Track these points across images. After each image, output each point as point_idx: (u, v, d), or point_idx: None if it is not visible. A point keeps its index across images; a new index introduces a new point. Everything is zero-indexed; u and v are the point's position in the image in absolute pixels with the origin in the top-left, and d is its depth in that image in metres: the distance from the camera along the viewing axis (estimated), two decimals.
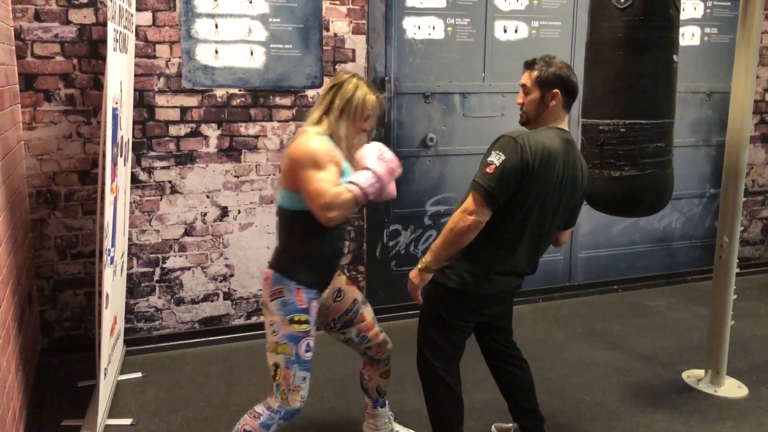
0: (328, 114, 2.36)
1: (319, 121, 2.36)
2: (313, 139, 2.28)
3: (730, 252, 3.31)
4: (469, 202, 2.28)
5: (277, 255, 2.41)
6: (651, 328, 4.25)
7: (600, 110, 2.80)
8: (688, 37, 4.82)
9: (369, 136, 2.47)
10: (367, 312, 2.69)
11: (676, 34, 2.71)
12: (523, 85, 2.44)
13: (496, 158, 2.27)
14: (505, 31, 4.34)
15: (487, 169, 2.26)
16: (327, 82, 2.38)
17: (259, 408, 2.40)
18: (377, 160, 2.27)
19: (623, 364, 3.71)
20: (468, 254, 2.38)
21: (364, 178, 2.22)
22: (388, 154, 2.31)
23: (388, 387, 2.83)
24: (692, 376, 3.54)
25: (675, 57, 2.71)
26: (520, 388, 2.78)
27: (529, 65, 2.45)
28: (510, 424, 2.92)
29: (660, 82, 2.69)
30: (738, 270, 3.38)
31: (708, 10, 4.86)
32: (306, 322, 2.35)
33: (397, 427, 2.94)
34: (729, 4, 4.89)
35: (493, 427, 2.98)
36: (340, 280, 2.63)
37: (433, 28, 4.17)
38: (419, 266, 2.40)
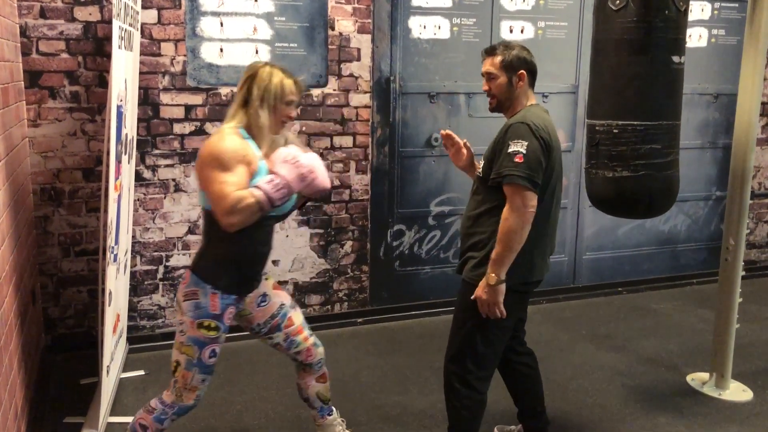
0: (247, 106, 2.27)
1: (233, 116, 2.28)
2: (223, 138, 2.19)
3: (736, 255, 3.29)
4: (515, 199, 2.27)
5: (197, 257, 2.34)
6: (656, 330, 4.23)
7: (596, 111, 2.83)
8: (695, 38, 4.80)
9: (292, 124, 2.41)
10: (296, 316, 2.58)
11: (677, 35, 2.68)
12: (488, 73, 2.46)
13: (519, 147, 2.28)
14: (511, 31, 4.32)
15: (516, 159, 2.27)
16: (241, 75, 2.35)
17: (154, 403, 2.39)
18: (285, 164, 2.20)
19: (627, 367, 3.69)
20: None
21: (270, 184, 2.15)
22: (302, 158, 2.22)
23: (329, 392, 2.73)
24: (697, 379, 3.52)
25: (676, 58, 2.68)
26: (532, 388, 2.77)
27: (489, 52, 2.48)
28: (513, 427, 2.91)
29: (657, 83, 2.68)
30: (744, 273, 3.36)
31: (715, 12, 4.84)
32: (216, 328, 2.30)
33: None
34: (736, 5, 4.86)
35: (495, 429, 2.97)
36: (266, 284, 2.53)
37: (439, 27, 4.16)
38: (490, 282, 2.32)
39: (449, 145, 2.71)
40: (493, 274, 2.32)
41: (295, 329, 2.57)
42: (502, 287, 2.33)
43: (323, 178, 2.29)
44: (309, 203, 2.50)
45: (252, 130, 2.27)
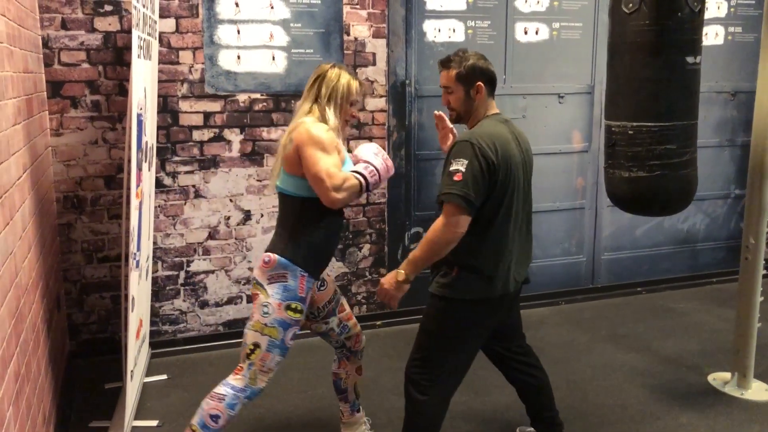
0: (318, 104, 2.42)
1: (310, 112, 2.42)
2: (316, 125, 2.35)
3: (756, 253, 3.27)
4: (448, 214, 2.24)
5: (283, 240, 2.42)
6: (675, 330, 4.21)
7: (612, 112, 2.84)
8: (712, 36, 4.77)
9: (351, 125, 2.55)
10: (345, 302, 2.72)
11: (692, 36, 2.68)
12: (445, 87, 2.43)
13: (459, 165, 2.24)
14: (525, 32, 4.33)
15: (455, 178, 2.23)
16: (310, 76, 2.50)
17: (222, 390, 2.41)
18: (377, 156, 2.43)
19: (647, 367, 3.68)
20: (469, 263, 2.34)
21: (367, 171, 2.37)
22: (385, 153, 2.47)
23: (361, 387, 2.79)
24: (718, 379, 3.50)
25: (691, 59, 2.68)
26: (537, 395, 2.75)
27: (444, 64, 2.42)
28: (531, 428, 2.91)
29: (671, 85, 2.68)
30: (765, 272, 3.34)
31: (732, 9, 4.81)
32: (301, 311, 2.40)
33: None
34: (753, 2, 4.83)
35: (517, 429, 2.97)
36: None
37: (454, 30, 4.17)
38: (399, 278, 2.34)
39: (440, 127, 2.70)
40: (404, 272, 2.34)
41: (347, 315, 2.69)
42: (407, 287, 2.37)
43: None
44: None
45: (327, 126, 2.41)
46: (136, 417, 3.12)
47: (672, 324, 4.31)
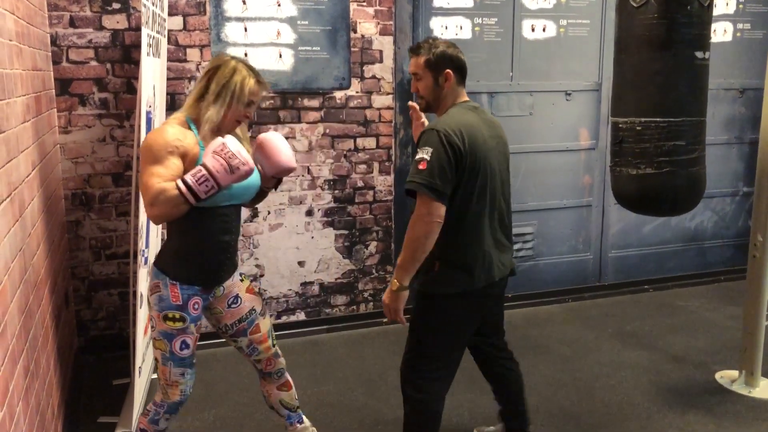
0: (202, 99, 2.21)
1: (187, 108, 2.25)
2: (160, 130, 2.17)
3: (765, 251, 3.25)
4: (420, 207, 2.21)
5: (160, 249, 2.34)
6: (683, 328, 4.20)
7: (619, 108, 2.80)
8: (720, 33, 4.75)
9: (246, 124, 2.35)
10: (263, 324, 2.53)
11: (701, 31, 2.66)
12: (414, 73, 2.42)
13: (425, 153, 2.22)
14: (533, 30, 4.32)
15: (420, 167, 2.21)
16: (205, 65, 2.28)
17: (149, 405, 2.40)
18: (214, 155, 2.09)
19: (655, 365, 3.67)
20: (448, 256, 2.33)
21: (194, 176, 2.08)
22: (232, 148, 2.09)
23: (294, 399, 2.68)
24: (726, 377, 3.49)
25: (700, 54, 2.66)
26: (516, 390, 2.75)
27: (414, 51, 2.41)
28: (492, 427, 2.91)
29: (680, 80, 2.66)
30: None
31: (740, 6, 4.79)
32: (181, 319, 2.26)
33: None
34: None
35: (474, 430, 2.97)
36: (240, 285, 2.48)
37: (461, 28, 4.17)
38: (393, 288, 2.30)
39: (414, 118, 2.67)
40: (396, 281, 2.28)
41: (259, 338, 2.52)
42: (405, 294, 2.30)
43: (276, 159, 2.27)
44: (279, 183, 2.53)
45: (197, 122, 2.23)
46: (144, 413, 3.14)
47: (679, 322, 4.30)
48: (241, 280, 2.51)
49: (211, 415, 3.16)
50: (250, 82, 2.22)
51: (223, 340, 2.58)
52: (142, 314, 3.00)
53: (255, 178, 2.34)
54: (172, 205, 2.08)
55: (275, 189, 2.58)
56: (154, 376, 3.52)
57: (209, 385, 3.45)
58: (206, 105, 2.20)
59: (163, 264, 2.28)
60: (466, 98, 2.44)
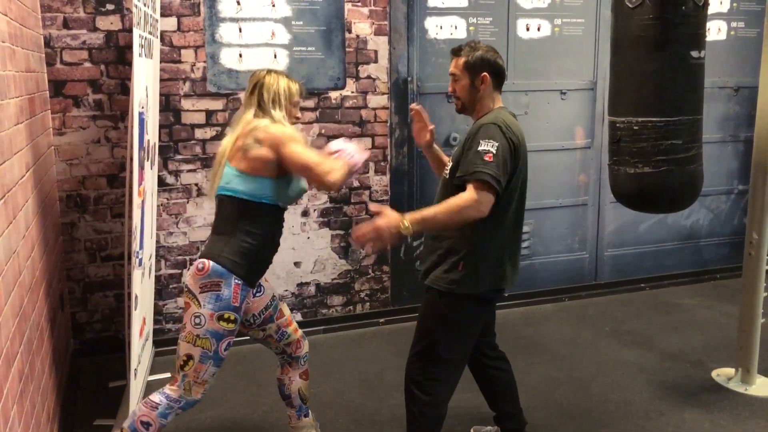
0: (263, 110, 2.41)
1: (257, 117, 2.40)
2: (280, 126, 2.37)
3: (760, 249, 3.26)
4: (477, 190, 2.20)
5: (218, 247, 2.33)
6: (679, 326, 4.20)
7: (616, 108, 2.82)
8: (714, 31, 4.76)
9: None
10: (285, 307, 2.67)
11: (696, 30, 2.67)
12: (453, 74, 2.44)
13: (490, 146, 2.23)
14: (527, 29, 4.32)
15: (486, 158, 2.22)
16: (247, 84, 2.50)
17: (157, 398, 2.37)
18: (345, 144, 2.42)
19: (651, 363, 3.67)
20: (479, 255, 2.33)
21: (345, 154, 2.38)
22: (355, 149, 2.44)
23: (308, 390, 2.74)
24: (722, 374, 3.50)
25: (695, 53, 2.67)
26: (506, 392, 2.75)
27: (455, 52, 2.45)
28: (489, 428, 2.91)
29: (676, 79, 2.67)
30: None
31: (734, 4, 4.80)
32: (234, 321, 2.33)
33: None
34: None
35: (472, 430, 2.96)
36: None
37: (456, 27, 4.17)
38: (402, 231, 2.17)
39: (416, 119, 2.68)
40: (410, 227, 2.17)
41: (285, 321, 2.63)
42: (400, 238, 2.23)
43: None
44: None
45: None
46: None
47: (675, 320, 4.31)
48: None
49: (207, 417, 3.15)
50: (294, 86, 2.47)
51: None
52: (138, 316, 2.99)
53: (304, 183, 2.50)
54: (344, 174, 2.34)
55: None
56: (150, 378, 3.51)
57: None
58: (268, 112, 2.40)
59: (229, 263, 2.31)
60: (501, 104, 2.47)
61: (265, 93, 2.40)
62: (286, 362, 2.70)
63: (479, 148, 2.24)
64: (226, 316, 2.30)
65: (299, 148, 2.31)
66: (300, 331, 2.68)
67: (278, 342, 2.62)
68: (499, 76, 2.43)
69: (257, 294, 2.54)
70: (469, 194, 2.20)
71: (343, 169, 2.33)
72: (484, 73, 2.38)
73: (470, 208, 2.20)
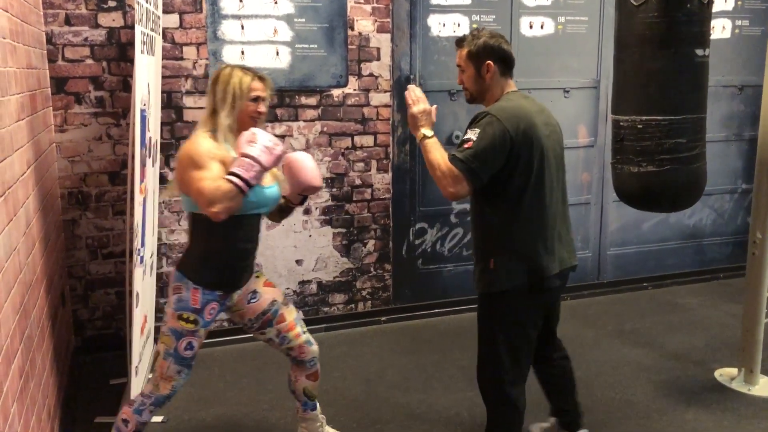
0: (217, 111, 2.34)
1: (205, 123, 2.37)
2: (193, 141, 2.30)
3: (764, 248, 3.24)
4: (453, 177, 2.23)
5: (183, 254, 2.46)
6: (682, 326, 4.19)
7: (620, 106, 2.81)
8: (719, 29, 4.74)
9: (263, 119, 2.43)
10: (288, 313, 2.63)
11: (701, 28, 2.66)
12: (459, 65, 2.44)
13: (472, 134, 2.24)
14: (531, 27, 4.31)
15: (465, 146, 2.23)
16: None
17: (135, 396, 2.49)
18: (248, 143, 2.21)
19: (654, 363, 3.66)
20: (506, 248, 2.33)
21: (239, 165, 2.18)
22: (263, 138, 2.22)
23: (316, 390, 2.75)
24: (725, 374, 3.49)
25: (700, 51, 2.66)
26: (563, 389, 2.75)
27: (458, 43, 2.43)
28: (545, 423, 2.89)
29: (680, 77, 2.66)
30: None
31: (739, 2, 4.77)
32: (194, 321, 2.36)
33: (329, 430, 2.87)
34: None
35: (531, 426, 2.93)
36: (256, 281, 2.59)
37: (458, 25, 4.15)
38: (422, 135, 2.40)
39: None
40: (422, 140, 2.39)
41: (286, 326, 2.61)
42: (419, 134, 2.41)
43: (300, 159, 2.42)
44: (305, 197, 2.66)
45: (218, 132, 2.33)
46: None
47: (678, 319, 4.29)
48: (257, 276, 2.60)
49: (209, 415, 3.15)
50: (246, 79, 2.34)
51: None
52: (139, 313, 2.98)
53: (275, 189, 2.45)
54: (228, 198, 2.17)
55: (301, 205, 2.70)
56: (151, 375, 3.50)
57: (207, 385, 3.44)
58: (223, 114, 2.33)
59: (186, 269, 2.37)
60: (515, 88, 2.44)
61: (218, 92, 2.34)
62: (293, 362, 2.71)
63: (464, 137, 2.28)
64: (184, 316, 2.35)
65: (191, 173, 2.22)
66: (304, 336, 2.65)
67: (280, 345, 2.64)
68: (504, 61, 2.39)
69: (252, 300, 2.55)
70: (445, 169, 2.26)
71: (227, 195, 2.15)
72: (488, 61, 2.36)
73: (443, 177, 2.26)
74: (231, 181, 2.16)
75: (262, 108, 2.39)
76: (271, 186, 2.43)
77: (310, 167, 2.50)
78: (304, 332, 2.66)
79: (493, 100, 2.40)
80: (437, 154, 2.31)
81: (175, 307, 2.36)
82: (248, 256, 2.48)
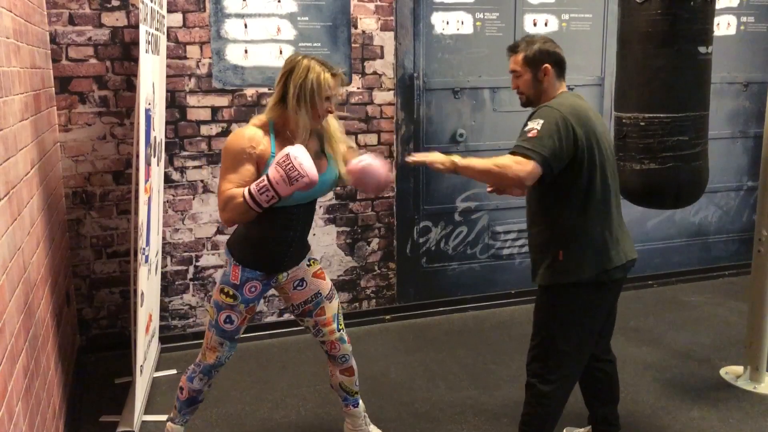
0: (284, 102, 2.28)
1: (270, 110, 2.34)
2: (240, 132, 2.31)
3: None
4: (513, 158, 2.22)
5: (233, 232, 2.56)
6: (687, 323, 4.18)
7: (623, 104, 2.82)
8: (724, 26, 4.71)
9: (335, 116, 2.42)
10: (329, 308, 2.65)
11: (704, 25, 2.66)
12: (513, 71, 2.45)
13: (535, 124, 2.26)
14: (535, 24, 4.29)
15: (529, 135, 2.24)
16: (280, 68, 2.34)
17: (190, 366, 2.64)
18: (276, 165, 2.15)
19: (659, 361, 3.65)
20: (575, 241, 2.33)
21: (257, 185, 2.19)
22: (291, 162, 2.14)
23: (354, 385, 2.77)
24: (731, 372, 3.47)
25: (703, 49, 2.65)
26: (606, 395, 2.71)
27: (512, 49, 2.46)
28: (582, 429, 2.88)
29: (683, 75, 2.65)
30: None
31: None
32: (233, 296, 2.46)
33: (372, 429, 2.88)
34: None
35: (564, 430, 2.92)
36: (307, 270, 2.61)
37: (462, 23, 4.14)
38: (454, 162, 2.33)
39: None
40: (459, 167, 2.33)
41: (324, 320, 2.65)
42: (443, 168, 2.37)
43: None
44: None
45: (287, 126, 2.33)
46: (146, 412, 3.13)
47: (684, 317, 4.28)
48: (309, 265, 2.63)
49: (214, 414, 3.15)
50: (326, 77, 2.27)
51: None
52: (143, 312, 2.99)
53: (326, 178, 2.41)
54: (239, 212, 2.25)
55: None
56: (156, 374, 3.51)
57: (213, 383, 3.43)
58: (291, 110, 2.27)
59: (231, 246, 2.50)
60: (566, 89, 2.47)
61: (291, 86, 2.25)
62: (328, 357, 2.76)
63: (525, 128, 2.29)
64: (225, 290, 2.46)
65: (222, 169, 2.30)
66: (337, 334, 2.67)
67: (315, 336, 2.71)
68: (559, 64, 2.43)
69: (298, 287, 2.60)
70: (505, 160, 2.24)
71: (236, 209, 2.22)
72: (546, 65, 2.39)
73: (512, 166, 2.21)
74: (244, 198, 2.21)
75: (332, 107, 2.34)
76: (323, 174, 2.37)
77: (383, 174, 2.39)
78: (339, 329, 2.69)
79: (547, 101, 2.42)
80: (478, 163, 2.32)
81: (221, 281, 2.49)
82: (289, 243, 2.47)
